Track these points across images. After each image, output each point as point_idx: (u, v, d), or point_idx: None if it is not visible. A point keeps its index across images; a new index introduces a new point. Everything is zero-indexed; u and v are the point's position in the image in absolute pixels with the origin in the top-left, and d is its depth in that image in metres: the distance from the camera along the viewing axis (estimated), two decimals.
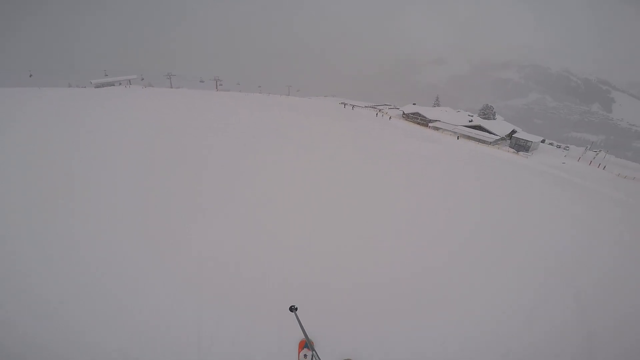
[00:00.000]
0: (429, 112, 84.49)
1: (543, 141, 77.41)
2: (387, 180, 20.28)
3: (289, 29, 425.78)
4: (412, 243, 12.81)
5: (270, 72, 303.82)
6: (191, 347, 7.44)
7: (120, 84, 77.33)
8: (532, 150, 70.22)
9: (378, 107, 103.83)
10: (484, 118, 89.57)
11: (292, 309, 6.72)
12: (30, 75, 79.34)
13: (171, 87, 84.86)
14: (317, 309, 8.31)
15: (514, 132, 77.30)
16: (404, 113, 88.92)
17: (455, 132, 73.95)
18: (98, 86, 69.33)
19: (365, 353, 7.97)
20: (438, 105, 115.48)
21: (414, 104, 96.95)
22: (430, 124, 79.22)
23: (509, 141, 75.51)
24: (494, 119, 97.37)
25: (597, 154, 72.42)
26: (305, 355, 7.12)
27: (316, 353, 6.32)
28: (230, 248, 10.67)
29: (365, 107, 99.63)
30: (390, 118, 74.60)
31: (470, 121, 78.56)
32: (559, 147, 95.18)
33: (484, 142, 70.55)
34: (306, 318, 6.92)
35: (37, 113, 22.71)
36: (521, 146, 70.92)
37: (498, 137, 71.99)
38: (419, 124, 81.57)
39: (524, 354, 8.74)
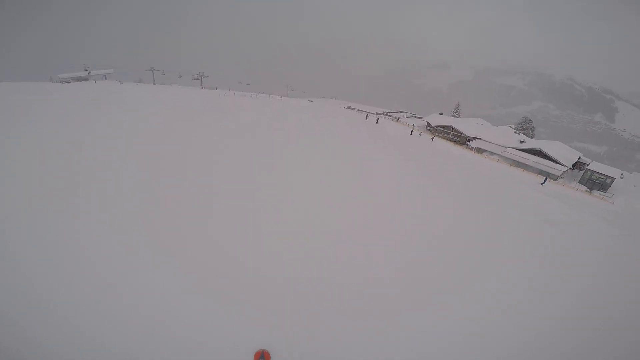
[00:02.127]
0: (463, 126, 60.96)
1: (621, 176, 53.96)
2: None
3: (291, 26, 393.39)
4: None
5: (268, 71, 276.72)
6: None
7: (87, 79, 61.36)
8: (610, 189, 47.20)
9: (393, 114, 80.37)
10: (523, 134, 66.79)
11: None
12: None
13: (154, 84, 69.85)
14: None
15: (580, 161, 54.13)
16: (429, 125, 65.45)
17: (505, 157, 50.89)
18: (66, 81, 55.57)
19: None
20: (458, 114, 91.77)
21: (441, 113, 73.56)
22: (470, 144, 55.93)
23: (570, 172, 52.42)
24: (532, 137, 74.57)
25: None
26: None
27: None
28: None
29: (378, 114, 76.46)
30: (432, 139, 52.49)
31: (521, 142, 55.16)
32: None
33: (547, 174, 47.48)
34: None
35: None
36: (596, 183, 47.81)
37: (566, 169, 48.78)
38: (451, 140, 58.39)
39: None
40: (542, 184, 39.79)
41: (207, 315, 7.76)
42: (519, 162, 50.11)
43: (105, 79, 64.95)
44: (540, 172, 47.14)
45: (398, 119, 69.14)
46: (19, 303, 7.26)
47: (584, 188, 47.16)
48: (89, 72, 62.45)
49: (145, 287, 8.29)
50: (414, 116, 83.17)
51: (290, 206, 14.91)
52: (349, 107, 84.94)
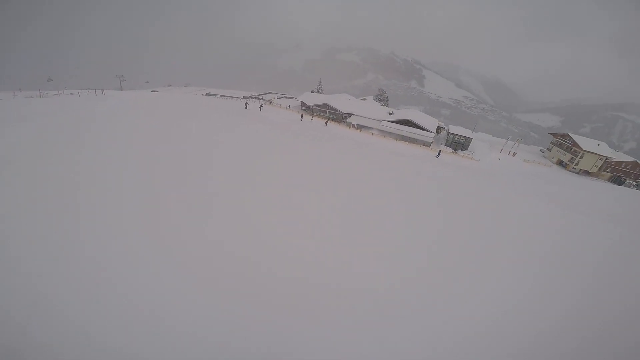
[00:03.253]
0: (336, 103, 56.33)
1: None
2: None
3: (124, 12, 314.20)
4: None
5: (97, 64, 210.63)
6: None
7: None
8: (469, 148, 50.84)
9: (263, 97, 70.52)
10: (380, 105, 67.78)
11: None
12: None
13: None
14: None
15: (439, 126, 56.82)
16: (304, 104, 58.64)
17: (381, 131, 48.62)
18: None
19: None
20: (321, 91, 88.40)
21: (312, 91, 67.64)
22: (349, 121, 51.50)
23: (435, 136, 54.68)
24: (387, 106, 77.26)
25: (517, 144, 58.18)
26: None
27: None
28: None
29: (245, 97, 65.60)
30: (326, 123, 44.79)
31: (390, 114, 54.12)
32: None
33: (420, 142, 47.43)
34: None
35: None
36: (458, 144, 50.69)
37: (434, 135, 49.83)
38: (329, 118, 52.94)
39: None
40: (436, 156, 38.08)
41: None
42: (395, 134, 48.74)
43: None
44: (425, 143, 46.84)
45: (271, 102, 59.94)
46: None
47: (450, 150, 49.45)
48: None
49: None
50: (284, 97, 75.28)
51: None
52: (209, 94, 70.67)
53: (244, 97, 67.48)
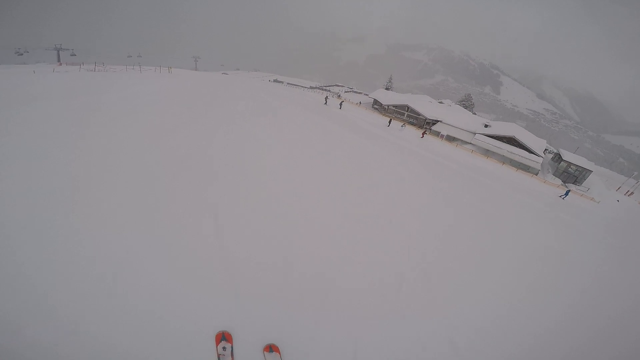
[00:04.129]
0: (418, 105, 47.16)
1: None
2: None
3: None
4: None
5: (176, 44, 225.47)
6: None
7: None
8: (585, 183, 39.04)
9: (330, 89, 63.68)
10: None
11: None
12: None
13: None
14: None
15: (546, 149, 45.26)
16: (376, 102, 50.54)
17: (478, 147, 38.92)
18: None
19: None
20: (391, 87, 78.60)
21: (387, 88, 59.08)
22: (436, 129, 42.39)
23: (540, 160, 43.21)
24: (475, 113, 65.61)
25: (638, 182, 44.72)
26: (224, 348, 6.13)
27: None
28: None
29: (312, 88, 59.32)
30: (423, 135, 36.41)
31: (486, 126, 43.81)
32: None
33: (524, 167, 36.99)
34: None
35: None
36: (571, 175, 39.15)
37: (542, 160, 38.96)
38: (425, 130, 43.97)
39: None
40: (563, 197, 27.88)
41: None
42: (494, 152, 38.77)
43: None
44: (532, 170, 36.48)
45: (339, 95, 52.76)
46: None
47: (559, 182, 38.25)
48: None
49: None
50: (352, 90, 67.62)
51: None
52: (275, 81, 65.75)
53: (311, 87, 61.47)
